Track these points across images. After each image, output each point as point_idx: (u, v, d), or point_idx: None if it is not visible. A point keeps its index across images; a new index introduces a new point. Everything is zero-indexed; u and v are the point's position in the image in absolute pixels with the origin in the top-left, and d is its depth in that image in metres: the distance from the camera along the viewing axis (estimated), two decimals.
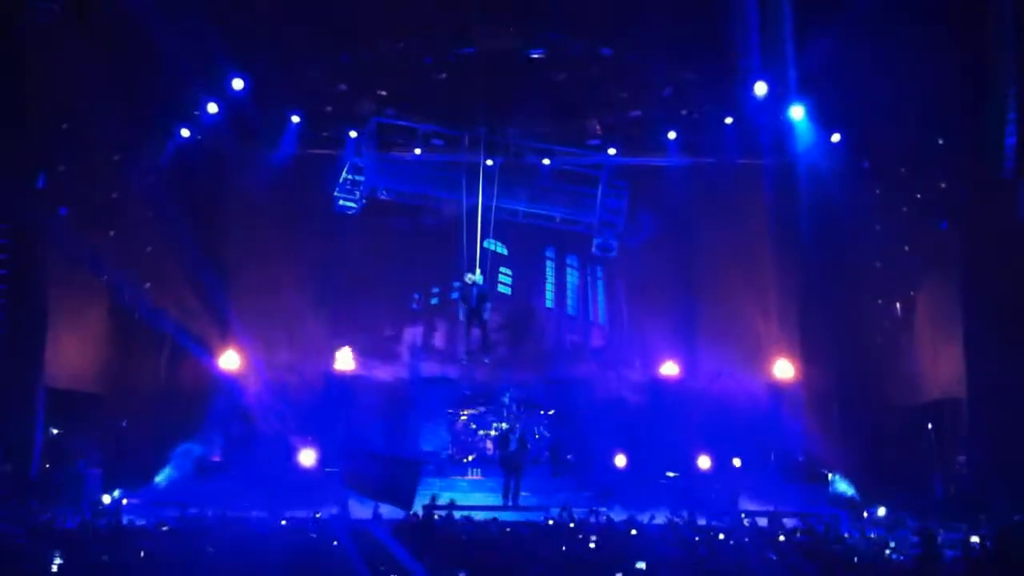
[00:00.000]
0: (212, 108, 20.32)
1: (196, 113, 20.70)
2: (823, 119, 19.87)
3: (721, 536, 12.85)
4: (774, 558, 11.34)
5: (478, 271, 19.17)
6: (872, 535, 13.86)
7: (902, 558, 12.15)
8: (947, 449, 18.46)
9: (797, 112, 19.44)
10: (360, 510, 16.66)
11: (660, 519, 14.96)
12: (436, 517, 14.72)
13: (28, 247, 17.58)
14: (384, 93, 21.31)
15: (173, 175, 21.09)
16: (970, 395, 17.58)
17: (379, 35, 19.60)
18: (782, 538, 13.28)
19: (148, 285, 21.27)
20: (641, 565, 9.92)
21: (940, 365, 18.64)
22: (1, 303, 17.05)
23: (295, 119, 21.82)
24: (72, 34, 17.06)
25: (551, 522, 14.55)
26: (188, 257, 21.81)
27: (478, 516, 15.26)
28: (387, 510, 16.50)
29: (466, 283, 19.04)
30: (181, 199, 21.24)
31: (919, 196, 19.24)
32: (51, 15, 16.74)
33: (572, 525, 14.25)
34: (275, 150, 22.29)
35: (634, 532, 12.77)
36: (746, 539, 13.01)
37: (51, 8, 16.76)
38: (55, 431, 18.64)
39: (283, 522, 15.09)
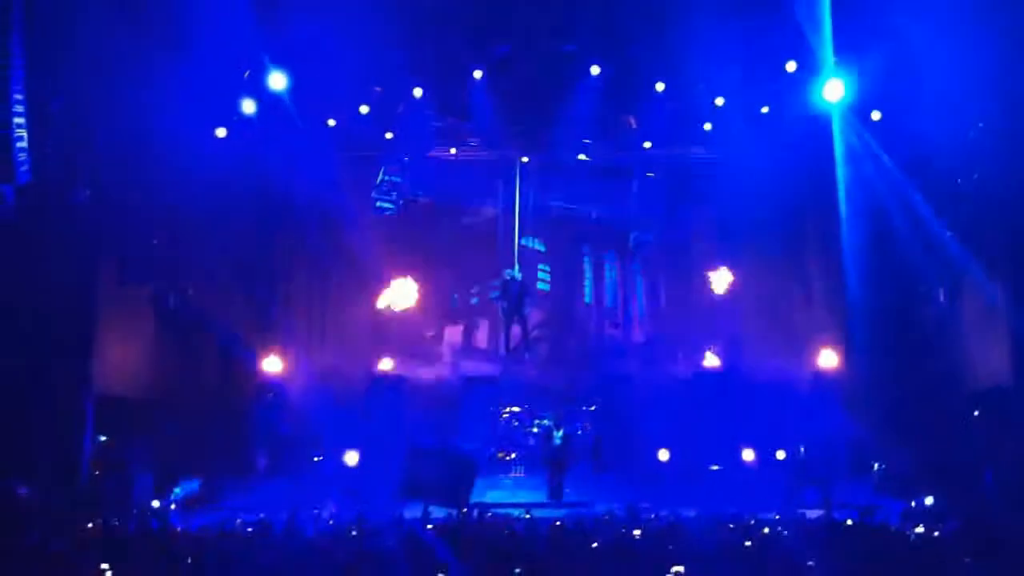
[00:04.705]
0: (249, 107, 20.44)
1: (234, 118, 20.89)
2: (861, 103, 19.71)
3: (766, 530, 12.77)
4: (820, 550, 11.29)
5: (517, 267, 19.24)
6: (920, 525, 13.73)
7: (953, 544, 12.03)
8: (995, 437, 18.22)
9: (834, 92, 19.22)
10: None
11: (690, 513, 14.90)
12: (490, 515, 14.82)
13: (74, 255, 17.76)
14: (420, 93, 21.36)
15: (216, 179, 21.28)
16: (1017, 382, 17.35)
17: (414, 35, 19.71)
18: (830, 530, 13.21)
19: (191, 290, 21.48)
20: (679, 569, 9.90)
21: (987, 353, 18.41)
22: (50, 311, 17.23)
23: (331, 122, 21.94)
24: (115, 36, 17.27)
25: (594, 521, 14.52)
26: (233, 261, 22.07)
27: (519, 513, 15.33)
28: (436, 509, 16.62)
29: (506, 279, 19.13)
30: (225, 203, 21.47)
31: (960, 181, 19.03)
32: (99, 14, 16.91)
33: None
34: (315, 152, 22.45)
35: (677, 528, 12.72)
36: (792, 532, 12.94)
37: (99, 5, 16.93)
38: (104, 438, 18.86)
39: (330, 521, 15.23)
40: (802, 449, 20.23)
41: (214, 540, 12.77)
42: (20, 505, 15.48)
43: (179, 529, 14.13)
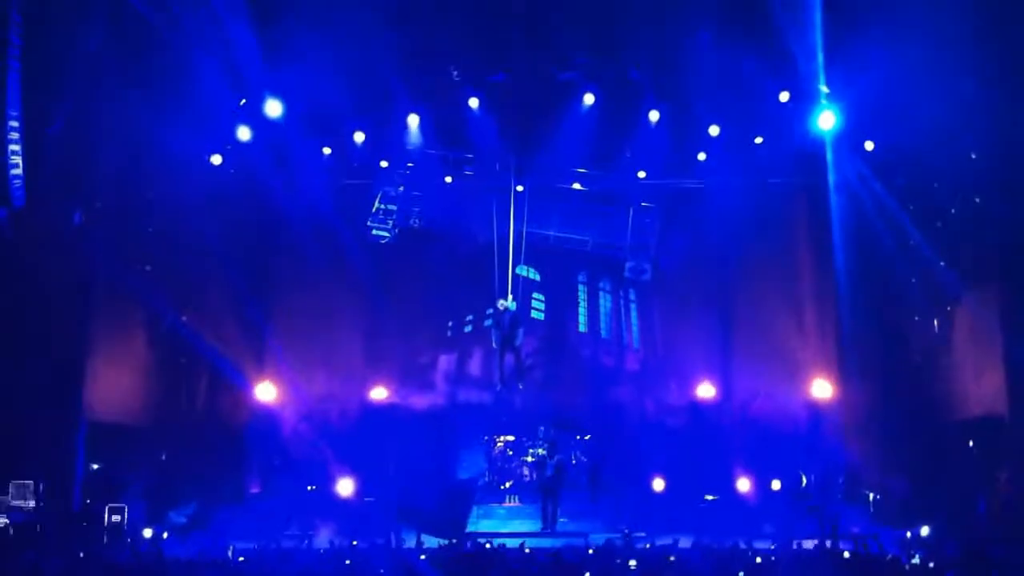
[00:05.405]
0: (244, 134, 20.50)
1: (228, 146, 20.93)
2: (853, 132, 19.83)
3: (759, 559, 12.72)
4: None
5: (510, 297, 19.24)
6: (916, 555, 13.69)
7: (949, 574, 11.99)
8: (989, 466, 18.19)
9: (827, 122, 19.35)
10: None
11: (685, 543, 14.84)
12: (484, 545, 14.76)
13: (68, 281, 17.73)
14: (416, 121, 21.41)
15: (210, 205, 21.30)
16: (1011, 411, 17.33)
17: (409, 63, 19.80)
18: (826, 559, 13.16)
19: (186, 318, 21.44)
20: None
21: (981, 382, 18.40)
22: (42, 337, 17.17)
23: (326, 150, 22.00)
24: (112, 62, 17.31)
25: (590, 551, 14.45)
26: (226, 288, 22.03)
27: (513, 543, 15.24)
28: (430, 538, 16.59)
29: (499, 309, 19.12)
30: (218, 230, 21.47)
31: (953, 211, 19.09)
32: (96, 40, 16.98)
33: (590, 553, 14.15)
34: (309, 179, 22.50)
35: (672, 559, 12.65)
36: (787, 562, 12.89)
37: (96, 32, 17.00)
38: (96, 465, 18.76)
39: (321, 550, 15.15)
40: (804, 479, 20.16)
41: (206, 567, 12.69)
42: (13, 531, 15.40)
43: (169, 557, 14.02)
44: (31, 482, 16.58)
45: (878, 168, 20.22)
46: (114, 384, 18.99)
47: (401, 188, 22.37)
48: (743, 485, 20.83)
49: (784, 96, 19.70)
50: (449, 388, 24.18)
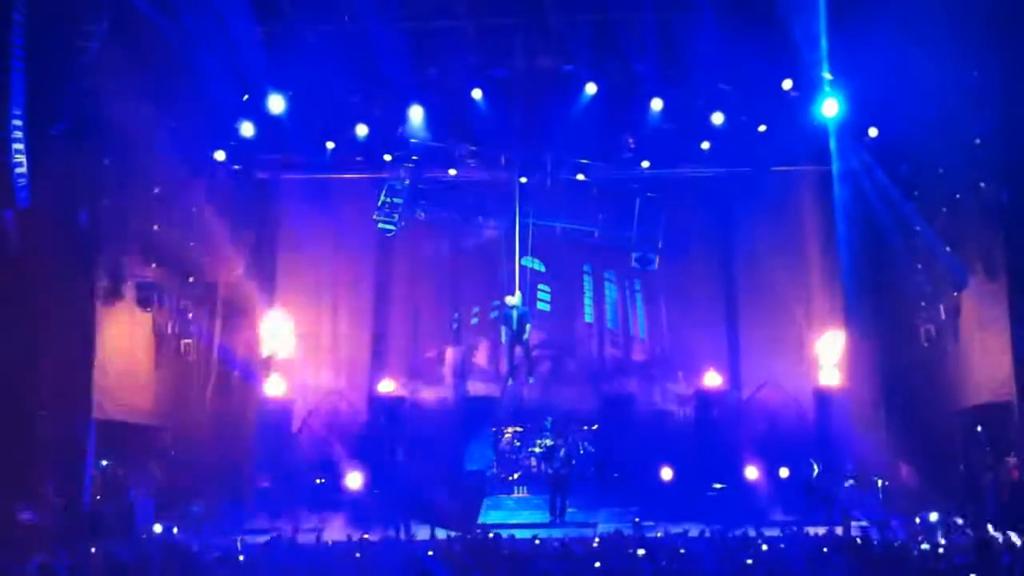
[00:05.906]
0: (248, 129, 20.51)
1: (232, 143, 20.96)
2: (857, 119, 19.78)
3: (765, 547, 12.74)
4: (825, 568, 11.28)
5: (518, 293, 19.24)
6: (925, 541, 13.70)
7: (959, 560, 11.99)
8: (998, 452, 18.17)
9: (830, 110, 19.30)
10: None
11: (694, 532, 14.88)
12: (492, 536, 14.80)
13: (74, 281, 17.78)
14: (419, 114, 21.39)
15: (215, 202, 21.34)
16: (1020, 397, 17.30)
17: (412, 56, 19.80)
18: (834, 547, 13.17)
19: (191, 315, 21.48)
20: None
21: (988, 367, 18.36)
22: (49, 336, 17.22)
23: (330, 145, 21.98)
24: (115, 61, 17.33)
25: (597, 541, 14.48)
26: (232, 284, 22.10)
27: (523, 534, 15.28)
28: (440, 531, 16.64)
29: (506, 305, 19.15)
30: (223, 226, 21.52)
31: (958, 196, 19.04)
32: (98, 39, 16.99)
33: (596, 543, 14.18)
34: (314, 174, 22.54)
35: (682, 551, 12.67)
36: (795, 549, 12.92)
37: (98, 31, 17.00)
38: (105, 463, 18.83)
39: (329, 542, 15.20)
40: (815, 468, 20.15)
41: (216, 562, 12.74)
42: (23, 529, 15.46)
43: (179, 552, 14.07)
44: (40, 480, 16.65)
45: (882, 155, 20.21)
46: (122, 382, 19.04)
47: (407, 181, 22.37)
48: (751, 473, 20.82)
49: (787, 84, 19.67)
50: (456, 380, 24.18)
